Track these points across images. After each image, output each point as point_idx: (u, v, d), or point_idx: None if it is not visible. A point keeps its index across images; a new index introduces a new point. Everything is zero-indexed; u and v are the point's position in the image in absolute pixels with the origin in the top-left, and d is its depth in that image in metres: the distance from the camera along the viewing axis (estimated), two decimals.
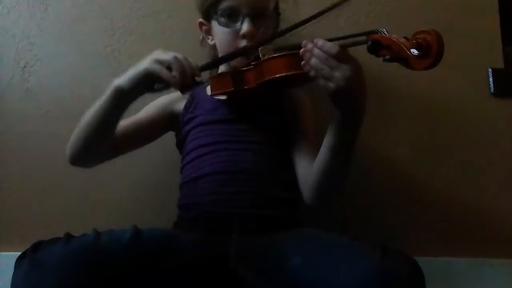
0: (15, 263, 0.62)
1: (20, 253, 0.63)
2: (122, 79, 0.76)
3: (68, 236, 0.64)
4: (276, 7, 0.96)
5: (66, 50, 1.19)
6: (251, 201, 0.83)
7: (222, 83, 0.86)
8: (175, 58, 0.73)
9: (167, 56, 0.73)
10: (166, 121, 0.97)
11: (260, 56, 0.80)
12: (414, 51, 0.63)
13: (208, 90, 0.97)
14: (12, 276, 0.61)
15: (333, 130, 0.76)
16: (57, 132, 1.14)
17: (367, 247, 0.62)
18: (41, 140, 1.14)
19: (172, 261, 0.69)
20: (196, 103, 0.96)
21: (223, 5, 0.89)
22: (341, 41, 0.70)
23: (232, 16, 0.88)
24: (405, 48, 0.64)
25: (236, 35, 0.88)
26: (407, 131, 1.14)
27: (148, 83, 0.75)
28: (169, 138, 1.03)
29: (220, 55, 0.96)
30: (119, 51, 1.18)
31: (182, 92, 0.76)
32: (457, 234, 1.10)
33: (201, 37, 1.02)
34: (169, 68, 0.73)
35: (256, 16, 0.88)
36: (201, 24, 0.99)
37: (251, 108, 0.92)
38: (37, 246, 0.63)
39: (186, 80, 0.73)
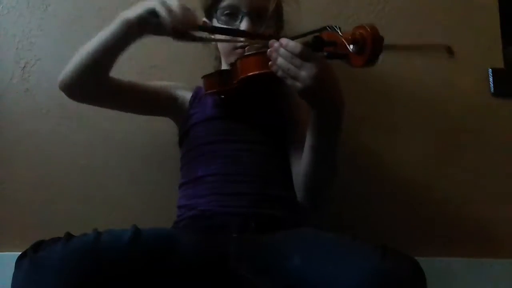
0: (16, 262, 0.62)
1: (20, 253, 0.63)
2: (129, 11, 0.80)
3: (69, 236, 0.64)
4: (279, 9, 0.96)
5: (66, 50, 1.18)
6: (250, 201, 0.83)
7: (210, 83, 0.89)
8: (179, 4, 0.75)
9: (174, 1, 0.76)
10: (162, 100, 0.98)
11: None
12: (352, 47, 0.63)
13: None
14: (13, 276, 0.61)
15: (311, 129, 0.76)
16: (57, 132, 1.15)
17: (367, 247, 0.61)
18: (41, 140, 1.14)
19: (172, 260, 0.69)
20: (199, 98, 0.97)
21: (224, 4, 0.90)
22: (305, 39, 0.70)
23: (231, 14, 0.90)
24: (346, 44, 0.63)
25: None
26: (407, 131, 1.14)
27: (150, 18, 0.77)
28: (169, 138, 1.03)
29: (221, 53, 0.97)
30: None
31: (174, 37, 0.77)
32: (457, 234, 1.10)
33: None
34: (169, 11, 0.75)
35: (255, 16, 0.89)
36: (204, 23, 0.99)
37: (251, 107, 0.92)
38: (37, 246, 0.63)
39: (181, 27, 0.75)
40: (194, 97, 0.98)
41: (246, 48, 0.79)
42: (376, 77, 1.16)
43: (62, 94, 1.15)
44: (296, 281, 0.64)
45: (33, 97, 1.17)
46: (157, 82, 1.00)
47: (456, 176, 1.12)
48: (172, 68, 1.15)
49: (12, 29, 1.19)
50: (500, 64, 1.16)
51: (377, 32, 0.61)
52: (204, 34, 0.86)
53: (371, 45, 0.60)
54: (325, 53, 0.66)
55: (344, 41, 0.63)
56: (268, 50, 0.70)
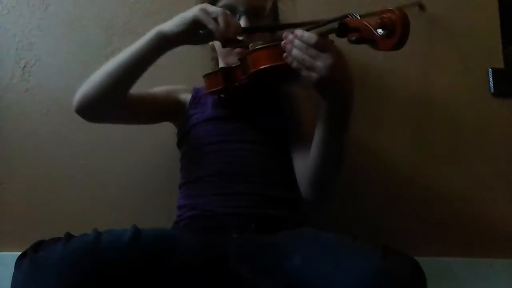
0: (16, 263, 0.62)
1: (20, 253, 0.63)
2: (166, 25, 0.79)
3: (69, 236, 0.64)
4: (275, 8, 0.96)
5: (66, 50, 1.19)
6: (251, 202, 0.83)
7: (214, 81, 0.88)
8: (222, 11, 0.76)
9: (214, 8, 0.76)
10: (168, 106, 0.98)
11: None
12: (380, 31, 0.62)
13: None
14: (13, 276, 0.61)
15: (322, 122, 0.75)
16: (57, 132, 1.15)
17: (368, 247, 0.61)
18: (41, 140, 1.14)
19: (172, 260, 0.69)
20: (199, 98, 0.97)
21: (221, 3, 0.90)
22: (320, 29, 0.70)
23: None
24: (372, 29, 0.63)
25: None
26: (407, 131, 1.14)
27: (193, 30, 0.77)
28: (169, 138, 1.03)
29: (218, 54, 0.97)
30: (119, 51, 1.17)
31: (225, 45, 0.79)
32: (457, 234, 1.10)
33: None
34: (215, 20, 0.75)
35: (253, 15, 0.89)
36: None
37: (251, 107, 0.92)
38: (37, 246, 0.63)
39: (230, 34, 0.76)
40: (193, 97, 0.98)
41: (250, 45, 0.79)
42: (376, 76, 1.16)
43: (62, 93, 1.16)
44: (296, 281, 0.64)
45: (33, 97, 1.17)
46: (161, 89, 0.99)
47: (456, 176, 1.12)
48: (172, 68, 1.15)
49: (12, 29, 1.19)
50: (500, 64, 1.15)
51: (406, 15, 0.60)
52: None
53: (400, 28, 0.60)
54: (352, 38, 0.65)
55: (371, 26, 0.63)
56: (283, 42, 0.69)
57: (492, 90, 1.14)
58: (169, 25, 0.78)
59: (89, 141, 1.14)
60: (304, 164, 0.85)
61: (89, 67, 1.15)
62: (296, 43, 0.67)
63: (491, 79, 1.15)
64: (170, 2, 1.19)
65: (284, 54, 0.69)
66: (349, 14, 0.68)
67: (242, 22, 0.87)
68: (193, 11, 0.76)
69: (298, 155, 0.88)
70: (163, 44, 0.80)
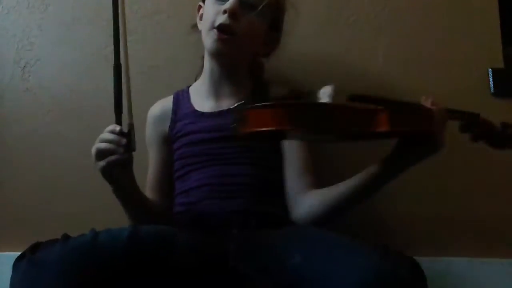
0: (13, 264, 0.62)
1: (19, 253, 0.63)
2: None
3: (66, 237, 0.64)
4: (279, 10, 0.96)
5: (66, 50, 1.19)
6: (250, 199, 0.84)
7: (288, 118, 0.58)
8: (99, 147, 0.80)
9: (95, 152, 0.80)
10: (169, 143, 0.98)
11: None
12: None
13: (192, 100, 0.96)
14: (11, 278, 0.62)
15: (358, 179, 0.80)
16: (57, 132, 1.15)
17: (367, 247, 0.62)
18: (41, 140, 1.14)
19: (171, 258, 0.69)
20: (179, 115, 0.96)
21: None
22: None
23: None
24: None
25: (220, 10, 0.87)
26: None
27: (120, 170, 0.79)
28: None
29: (203, 34, 0.93)
30: None
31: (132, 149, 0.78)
32: (457, 234, 1.10)
33: (196, 21, 1.00)
34: (111, 152, 0.77)
35: (246, 2, 0.87)
36: (199, 7, 0.99)
37: None
38: (35, 247, 0.63)
39: (124, 145, 0.77)
40: (173, 117, 0.97)
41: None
42: (375, 77, 1.16)
43: (62, 93, 1.16)
44: (296, 280, 0.64)
45: (33, 97, 1.17)
46: (153, 151, 1.00)
47: (456, 176, 1.12)
48: (172, 69, 1.15)
49: (12, 29, 1.20)
50: (500, 64, 1.15)
51: None
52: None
53: None
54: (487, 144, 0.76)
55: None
56: (434, 107, 0.77)
57: (492, 90, 1.14)
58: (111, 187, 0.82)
59: (89, 141, 1.13)
60: (295, 187, 0.87)
61: (89, 68, 1.17)
62: (442, 115, 0.77)
63: (491, 79, 1.14)
64: (170, 2, 1.19)
65: (430, 111, 0.76)
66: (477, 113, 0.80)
67: (231, 1, 0.85)
68: (97, 165, 0.80)
69: (289, 174, 0.88)
70: (126, 191, 0.85)
